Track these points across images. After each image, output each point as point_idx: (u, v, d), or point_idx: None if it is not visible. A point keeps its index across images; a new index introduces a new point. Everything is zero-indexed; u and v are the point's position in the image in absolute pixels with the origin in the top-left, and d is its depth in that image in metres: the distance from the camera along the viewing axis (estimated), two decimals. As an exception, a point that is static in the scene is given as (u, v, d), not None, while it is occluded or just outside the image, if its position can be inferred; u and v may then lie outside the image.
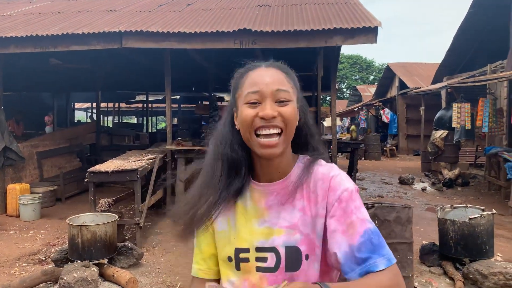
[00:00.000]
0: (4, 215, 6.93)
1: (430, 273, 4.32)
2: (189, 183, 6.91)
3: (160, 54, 6.85)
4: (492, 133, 9.36)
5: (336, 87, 10.22)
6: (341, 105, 29.03)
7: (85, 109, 24.12)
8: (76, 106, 21.33)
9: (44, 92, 14.72)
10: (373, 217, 3.55)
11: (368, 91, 25.81)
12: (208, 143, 1.19)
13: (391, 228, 3.64)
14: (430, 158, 11.26)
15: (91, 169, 5.33)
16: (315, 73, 8.98)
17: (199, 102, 15.54)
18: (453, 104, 9.72)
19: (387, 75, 20.16)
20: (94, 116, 15.92)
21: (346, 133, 18.68)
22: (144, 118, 18.99)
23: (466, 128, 9.58)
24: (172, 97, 8.56)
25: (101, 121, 13.64)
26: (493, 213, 4.29)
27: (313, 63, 8.87)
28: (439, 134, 10.78)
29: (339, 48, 7.78)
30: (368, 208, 3.41)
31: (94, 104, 14.95)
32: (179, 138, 7.84)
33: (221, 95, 17.01)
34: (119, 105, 20.95)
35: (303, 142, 1.14)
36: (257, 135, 1.01)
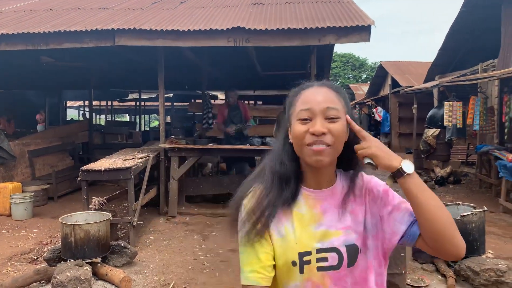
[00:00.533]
0: (-5, 214, 6.87)
1: (422, 270, 4.36)
2: (182, 182, 6.91)
3: (153, 52, 6.82)
4: (483, 131, 9.44)
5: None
6: (334, 104, 29.02)
7: (78, 107, 23.95)
8: (68, 104, 21.16)
9: (35, 90, 14.59)
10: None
11: (361, 90, 25.91)
12: (264, 157, 1.29)
13: (384, 226, 3.66)
14: (422, 156, 11.34)
15: (84, 167, 5.29)
16: (309, 72, 9.00)
17: (193, 100, 15.51)
18: (445, 102, 9.79)
19: (380, 74, 20.24)
20: (87, 114, 15.81)
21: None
22: (137, 116, 18.90)
23: (458, 126, 9.65)
24: (165, 95, 8.53)
25: (94, 119, 13.60)
26: (484, 211, 4.34)
27: (307, 62, 8.89)
28: (431, 132, 10.86)
29: (332, 46, 7.80)
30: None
31: (87, 102, 14.84)
32: (172, 136, 7.83)
33: (215, 93, 17.00)
34: (111, 103, 20.81)
35: (348, 157, 1.22)
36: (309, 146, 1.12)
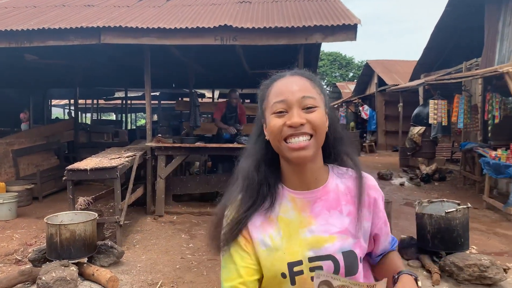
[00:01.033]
0: (-22, 215, 6.74)
1: (408, 266, 4.41)
2: (169, 180, 6.88)
3: (139, 50, 6.77)
4: (467, 129, 9.60)
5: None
6: (321, 102, 29.17)
7: (63, 106, 23.65)
8: (53, 103, 20.87)
9: (19, 89, 14.35)
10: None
11: (348, 88, 26.08)
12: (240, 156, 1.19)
13: (371, 223, 3.70)
14: (408, 153, 11.48)
15: (70, 167, 5.23)
16: (296, 70, 9.02)
17: (179, 99, 15.44)
18: (430, 100, 9.92)
19: (366, 72, 20.41)
20: (72, 113, 15.62)
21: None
22: (123, 115, 18.74)
23: (443, 124, 9.79)
24: (152, 94, 8.48)
25: (79, 118, 13.43)
26: (468, 207, 4.41)
27: (294, 60, 8.90)
28: (416, 130, 10.99)
29: (319, 45, 7.83)
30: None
31: (72, 101, 14.68)
32: (159, 135, 7.78)
33: (202, 91, 16.94)
34: (97, 101, 20.61)
35: (332, 149, 1.15)
36: (287, 142, 1.03)
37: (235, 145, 6.80)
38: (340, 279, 0.84)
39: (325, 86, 1.16)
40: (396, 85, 15.31)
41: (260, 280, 1.08)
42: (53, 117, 18.69)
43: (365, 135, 18.59)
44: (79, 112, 13.91)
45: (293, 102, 1.03)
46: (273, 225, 1.08)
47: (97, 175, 5.29)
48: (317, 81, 1.11)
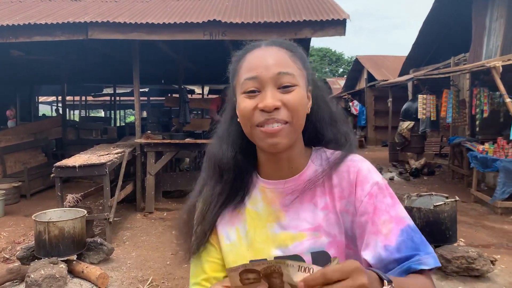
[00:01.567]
0: (-35, 213, 6.65)
1: (397, 259, 4.45)
2: (159, 177, 6.84)
3: (128, 45, 6.71)
4: (455, 123, 9.70)
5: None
6: (311, 98, 29.28)
7: (50, 103, 23.37)
8: (40, 100, 20.60)
9: (5, 85, 14.13)
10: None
11: (338, 84, 26.19)
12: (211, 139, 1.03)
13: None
14: (398, 148, 11.57)
15: (58, 164, 5.17)
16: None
17: (169, 95, 15.34)
18: (419, 95, 10.00)
19: (356, 68, 20.49)
20: (60, 109, 15.44)
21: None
22: (112, 111, 18.58)
23: (432, 119, 9.88)
24: (141, 90, 8.41)
25: (67, 115, 13.29)
26: (456, 200, 4.46)
27: (283, 56, 8.91)
28: (406, 125, 11.08)
29: (309, 40, 7.84)
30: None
31: (60, 98, 14.50)
32: (149, 131, 7.73)
33: (191, 87, 16.86)
34: (85, 98, 20.41)
35: (316, 132, 0.97)
36: (259, 127, 0.86)
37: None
38: (264, 263, 0.67)
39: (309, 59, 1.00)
40: (386, 80, 15.39)
41: None
42: (40, 114, 18.44)
43: (355, 130, 18.70)
44: (67, 109, 13.77)
45: (266, 79, 0.84)
46: (240, 218, 0.95)
47: (86, 172, 5.25)
48: (299, 52, 0.92)
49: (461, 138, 8.87)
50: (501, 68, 6.31)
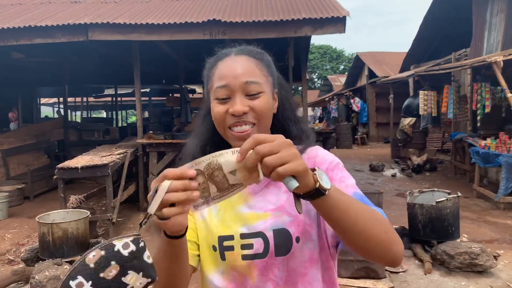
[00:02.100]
0: (-31, 216, 6.68)
1: (400, 256, 4.46)
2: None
3: (128, 46, 6.72)
4: (457, 119, 9.68)
5: (307, 77, 10.30)
6: (313, 95, 29.30)
7: (52, 104, 23.42)
8: (42, 102, 20.65)
9: (7, 88, 14.17)
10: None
11: (339, 81, 26.15)
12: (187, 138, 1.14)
13: (363, 214, 3.74)
14: (399, 145, 11.56)
15: (60, 165, 5.20)
16: (286, 63, 9.03)
17: (170, 95, 15.34)
18: (420, 92, 9.98)
19: (357, 65, 20.46)
20: (62, 111, 15.47)
21: (318, 122, 18.90)
22: (114, 112, 18.61)
23: (433, 115, 9.87)
24: (142, 90, 8.42)
25: (69, 116, 13.30)
26: (458, 196, 4.46)
27: (284, 54, 8.91)
28: (407, 121, 11.07)
29: (309, 38, 7.84)
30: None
31: (61, 99, 14.54)
32: (150, 131, 7.75)
33: (192, 87, 16.87)
34: (87, 99, 20.43)
35: (282, 129, 1.07)
36: (231, 129, 0.97)
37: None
38: (203, 160, 0.73)
39: (273, 64, 1.05)
40: (387, 76, 15.38)
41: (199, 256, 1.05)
42: (42, 116, 18.50)
43: (357, 127, 18.69)
44: (69, 110, 13.77)
45: (235, 88, 0.95)
46: None
47: (89, 173, 5.27)
48: (265, 60, 1.02)
49: (462, 133, 8.86)
50: (502, 63, 6.30)
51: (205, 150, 1.04)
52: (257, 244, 0.96)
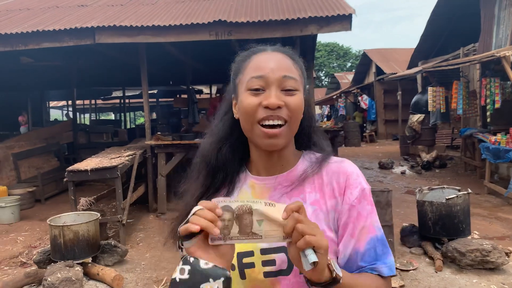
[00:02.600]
0: (-18, 219, 6.77)
1: (410, 253, 4.44)
2: (170, 178, 6.89)
3: (135, 48, 6.76)
4: (466, 115, 9.59)
5: (314, 75, 10.28)
6: (320, 93, 29.23)
7: (61, 107, 23.65)
8: (51, 105, 20.86)
9: (17, 92, 14.35)
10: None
11: (346, 79, 26.04)
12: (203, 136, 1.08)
13: (372, 212, 3.72)
14: (408, 142, 11.48)
15: (70, 168, 5.24)
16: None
17: (177, 96, 15.40)
18: (429, 88, 9.91)
19: (364, 62, 20.36)
20: (70, 114, 15.61)
21: (326, 120, 18.84)
22: (122, 114, 18.72)
23: (441, 111, 9.78)
24: (150, 92, 8.47)
25: (78, 119, 13.42)
26: (469, 193, 4.42)
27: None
28: (416, 118, 10.99)
29: (315, 36, 7.82)
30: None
31: (70, 102, 14.66)
32: (159, 133, 7.78)
33: (199, 87, 16.92)
34: (95, 101, 20.58)
35: (306, 137, 1.04)
36: (261, 125, 0.91)
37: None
38: (238, 200, 0.77)
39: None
40: (394, 73, 15.27)
41: None
42: (52, 119, 18.67)
43: (365, 124, 18.59)
44: (77, 113, 13.89)
45: (272, 80, 0.90)
46: None
47: (98, 175, 5.30)
48: (299, 62, 1.00)
49: (472, 129, 8.77)
50: (511, 57, 6.23)
51: (221, 150, 1.00)
52: (279, 260, 0.90)
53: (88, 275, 4.06)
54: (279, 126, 0.90)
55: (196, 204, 0.87)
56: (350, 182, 0.96)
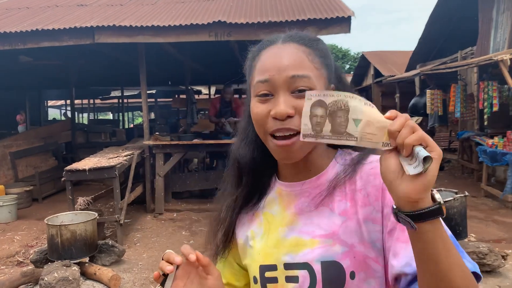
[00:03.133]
0: (-22, 218, 6.76)
1: (407, 256, 4.44)
2: (168, 178, 6.89)
3: (134, 48, 6.76)
4: (464, 118, 9.62)
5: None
6: (318, 95, 29.20)
7: (59, 107, 23.62)
8: (49, 104, 20.83)
9: (15, 90, 14.31)
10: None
11: (344, 80, 26.03)
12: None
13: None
14: (406, 144, 11.48)
15: (68, 167, 5.24)
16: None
17: (176, 96, 15.40)
18: (427, 90, 9.94)
19: (362, 64, 20.39)
20: (69, 113, 15.58)
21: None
22: (120, 113, 18.71)
23: (439, 114, 9.82)
24: (148, 92, 8.46)
25: (76, 118, 13.39)
26: (465, 196, 4.43)
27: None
28: (414, 120, 10.97)
29: (314, 38, 7.82)
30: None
31: (68, 101, 14.65)
32: (157, 133, 7.79)
33: (198, 88, 16.92)
34: (93, 101, 20.58)
35: None
36: (273, 137, 0.80)
37: (233, 141, 6.81)
38: (333, 94, 0.67)
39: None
40: (392, 76, 15.30)
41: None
42: (50, 118, 18.64)
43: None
44: (76, 112, 13.88)
45: (279, 83, 0.78)
46: (256, 221, 0.92)
47: (96, 175, 5.31)
48: (319, 49, 0.84)
49: (470, 132, 8.80)
50: (509, 61, 6.26)
51: (254, 158, 0.91)
52: (302, 277, 0.80)
53: (85, 274, 4.06)
54: (294, 135, 0.78)
55: (236, 216, 0.93)
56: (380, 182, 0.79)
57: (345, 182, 0.83)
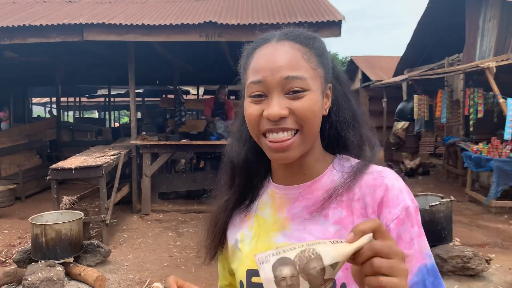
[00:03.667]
0: (-41, 216, 6.60)
1: (394, 259, 4.48)
2: (155, 178, 6.83)
3: (123, 46, 6.70)
4: (449, 123, 9.77)
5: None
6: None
7: (44, 104, 23.24)
8: (34, 101, 20.47)
9: (-1, 87, 14.04)
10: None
11: (332, 84, 26.20)
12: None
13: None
14: (392, 148, 11.63)
15: (54, 166, 5.16)
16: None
17: (164, 96, 15.30)
18: (414, 96, 10.07)
19: (350, 68, 20.51)
20: (54, 111, 15.36)
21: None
22: (107, 112, 18.51)
23: (425, 119, 9.95)
24: (136, 91, 8.39)
25: (62, 116, 13.21)
26: (451, 200, 4.49)
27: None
28: (400, 125, 11.14)
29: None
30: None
31: (54, 99, 14.42)
32: (144, 132, 7.72)
33: (187, 88, 16.84)
34: (79, 99, 20.30)
35: (337, 134, 0.87)
36: (266, 137, 0.79)
37: (222, 142, 6.80)
38: (294, 247, 0.58)
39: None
40: (380, 80, 15.44)
41: None
42: (34, 115, 18.32)
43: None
44: (61, 110, 13.67)
45: (273, 84, 0.75)
46: (247, 224, 0.89)
47: (82, 174, 5.23)
48: (316, 47, 0.81)
49: (455, 138, 8.94)
50: (494, 68, 6.37)
51: (248, 159, 0.89)
52: None
53: (69, 275, 3.99)
54: (290, 135, 0.77)
55: (227, 218, 0.90)
56: (389, 198, 0.77)
57: (347, 188, 0.80)
